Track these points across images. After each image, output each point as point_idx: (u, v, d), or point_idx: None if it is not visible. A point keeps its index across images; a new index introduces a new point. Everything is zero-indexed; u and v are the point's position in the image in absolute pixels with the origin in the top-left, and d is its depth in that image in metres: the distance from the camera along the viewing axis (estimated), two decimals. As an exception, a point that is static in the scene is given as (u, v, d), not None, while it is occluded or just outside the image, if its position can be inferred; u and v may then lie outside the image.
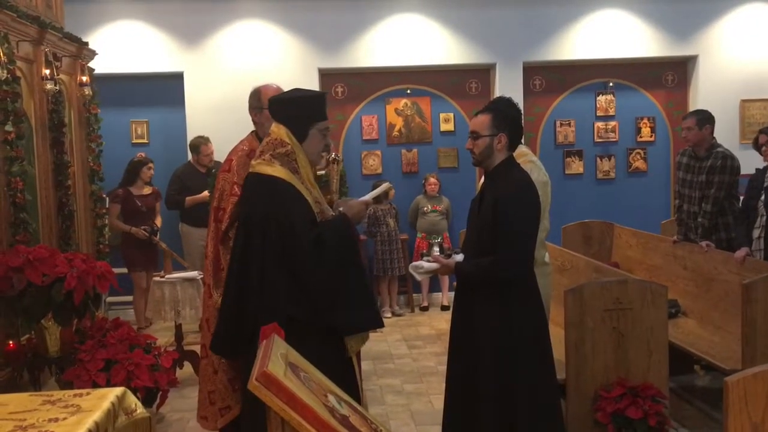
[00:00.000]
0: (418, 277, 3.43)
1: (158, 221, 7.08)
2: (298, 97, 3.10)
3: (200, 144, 7.23)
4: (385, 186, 3.71)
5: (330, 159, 4.25)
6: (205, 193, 6.72)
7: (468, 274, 3.24)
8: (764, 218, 4.90)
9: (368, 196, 3.33)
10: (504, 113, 3.26)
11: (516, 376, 3.12)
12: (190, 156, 7.46)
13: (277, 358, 2.04)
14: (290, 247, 2.86)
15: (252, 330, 2.73)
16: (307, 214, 2.93)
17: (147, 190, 7.06)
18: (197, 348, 5.24)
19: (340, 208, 3.15)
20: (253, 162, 3.07)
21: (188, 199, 7.06)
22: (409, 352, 6.35)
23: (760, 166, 5.20)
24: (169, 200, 7.27)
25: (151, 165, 7.11)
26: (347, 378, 2.99)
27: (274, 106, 3.11)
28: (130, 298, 7.30)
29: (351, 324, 2.98)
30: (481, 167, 3.37)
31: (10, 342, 4.43)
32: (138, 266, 6.95)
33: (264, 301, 2.87)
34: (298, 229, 2.86)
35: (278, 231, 2.87)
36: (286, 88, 3.63)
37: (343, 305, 2.92)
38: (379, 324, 3.07)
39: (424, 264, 3.32)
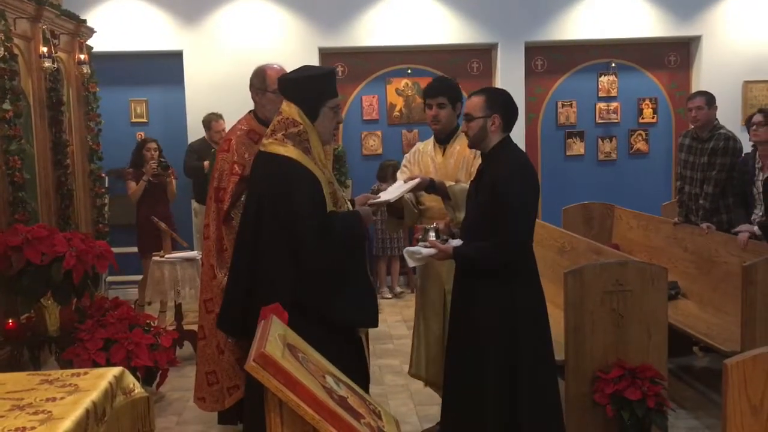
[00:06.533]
0: (414, 263, 3.31)
1: (171, 192, 6.89)
2: (309, 75, 3.09)
3: (211, 120, 7.10)
4: (412, 183, 3.59)
5: None
6: (206, 162, 6.63)
7: (468, 258, 3.20)
8: (762, 207, 4.87)
9: (392, 197, 3.33)
10: (497, 94, 3.27)
11: (518, 355, 3.13)
12: (202, 133, 7.27)
13: (275, 339, 2.04)
14: (294, 226, 2.87)
15: (260, 309, 2.73)
16: (317, 196, 2.94)
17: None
18: (196, 327, 5.26)
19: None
20: (264, 141, 3.05)
21: (206, 163, 6.91)
22: (408, 333, 6.33)
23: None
24: (187, 168, 7.18)
25: (151, 145, 6.94)
26: (357, 357, 3.02)
27: (285, 85, 3.09)
28: (129, 277, 7.28)
29: (344, 317, 2.99)
30: (476, 149, 3.33)
31: (10, 321, 4.44)
32: (153, 252, 6.85)
33: (271, 280, 2.88)
34: (304, 210, 2.87)
35: (287, 212, 2.87)
36: (287, 67, 3.60)
37: (339, 296, 2.94)
38: (373, 324, 3.10)
39: (422, 250, 3.22)
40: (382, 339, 6.18)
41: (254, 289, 2.96)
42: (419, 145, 4.06)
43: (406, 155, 4.11)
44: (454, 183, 3.67)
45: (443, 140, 3.85)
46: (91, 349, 4.28)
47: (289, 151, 2.94)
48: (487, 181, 3.17)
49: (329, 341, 2.79)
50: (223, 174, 3.45)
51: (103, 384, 2.47)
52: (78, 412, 2.23)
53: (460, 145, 3.77)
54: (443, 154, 3.85)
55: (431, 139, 3.96)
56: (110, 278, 7.43)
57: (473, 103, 3.23)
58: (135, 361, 4.29)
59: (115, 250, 4.85)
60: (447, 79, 3.96)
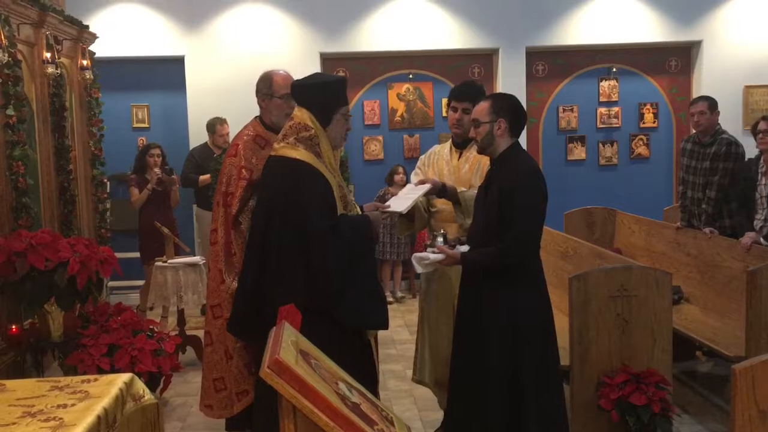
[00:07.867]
0: (422, 269, 3.32)
1: (174, 198, 6.90)
2: (322, 82, 3.14)
3: (215, 124, 7.07)
4: (423, 189, 3.59)
5: None
6: (207, 176, 6.65)
7: (475, 263, 3.22)
8: (765, 212, 4.88)
9: (403, 208, 3.33)
10: (502, 99, 3.31)
11: (522, 358, 3.14)
12: (206, 137, 7.24)
13: (288, 345, 2.04)
14: (304, 228, 2.91)
15: (271, 311, 2.74)
16: (328, 198, 2.98)
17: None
18: (198, 332, 5.25)
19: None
20: (276, 146, 3.11)
21: (201, 178, 6.95)
22: (411, 338, 6.34)
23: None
24: (183, 177, 7.19)
25: (155, 151, 6.93)
26: (366, 360, 3.03)
27: (298, 91, 3.13)
28: (130, 282, 7.26)
29: (353, 318, 3.00)
30: (485, 154, 3.35)
31: (13, 326, 4.43)
32: (156, 257, 6.83)
33: (282, 282, 2.90)
34: (315, 213, 2.91)
35: (297, 213, 2.89)
36: (289, 72, 3.60)
37: (348, 297, 2.95)
38: (382, 326, 3.10)
39: (430, 255, 3.25)
40: (385, 344, 6.17)
41: (265, 291, 2.98)
42: (436, 147, 4.06)
43: (421, 157, 4.10)
44: (465, 189, 3.67)
45: (461, 144, 3.86)
46: (95, 354, 4.28)
47: (300, 154, 2.98)
48: (496, 186, 3.19)
49: (339, 342, 2.81)
50: (231, 179, 3.45)
51: (114, 390, 2.47)
52: (89, 419, 2.23)
53: (476, 151, 3.78)
54: (458, 158, 3.85)
55: (448, 143, 3.97)
56: (111, 283, 7.42)
57: (480, 109, 3.27)
58: (139, 367, 4.27)
59: (116, 255, 4.84)
60: (476, 84, 3.94)
